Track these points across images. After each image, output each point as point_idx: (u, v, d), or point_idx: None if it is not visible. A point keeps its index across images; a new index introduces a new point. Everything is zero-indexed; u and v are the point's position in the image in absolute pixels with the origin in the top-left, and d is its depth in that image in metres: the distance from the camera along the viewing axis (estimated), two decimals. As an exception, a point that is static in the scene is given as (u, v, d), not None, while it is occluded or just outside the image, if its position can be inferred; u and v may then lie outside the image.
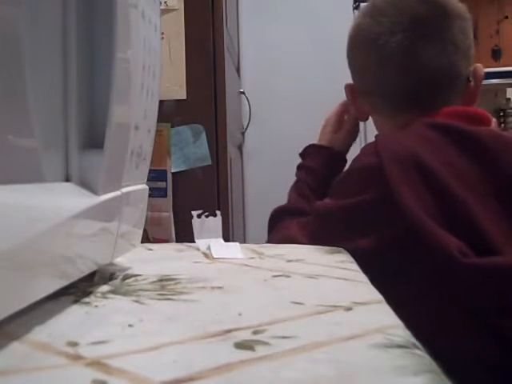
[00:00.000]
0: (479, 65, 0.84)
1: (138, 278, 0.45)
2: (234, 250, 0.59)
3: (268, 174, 2.29)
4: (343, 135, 0.99)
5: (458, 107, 0.80)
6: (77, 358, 0.26)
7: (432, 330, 0.53)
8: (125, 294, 0.39)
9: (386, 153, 0.70)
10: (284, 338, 0.28)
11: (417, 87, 0.81)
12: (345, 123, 0.98)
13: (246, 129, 2.22)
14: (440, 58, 0.81)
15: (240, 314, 0.33)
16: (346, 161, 0.96)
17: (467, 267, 0.62)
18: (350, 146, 1.00)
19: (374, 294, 0.39)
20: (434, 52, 0.80)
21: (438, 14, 0.81)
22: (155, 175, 1.38)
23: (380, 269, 0.54)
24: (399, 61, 0.81)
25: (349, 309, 0.34)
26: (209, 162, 1.41)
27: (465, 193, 0.67)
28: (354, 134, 1.00)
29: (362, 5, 2.48)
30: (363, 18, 0.85)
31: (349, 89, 0.92)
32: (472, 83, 0.84)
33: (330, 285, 0.43)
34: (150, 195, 0.49)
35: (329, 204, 0.77)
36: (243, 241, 1.98)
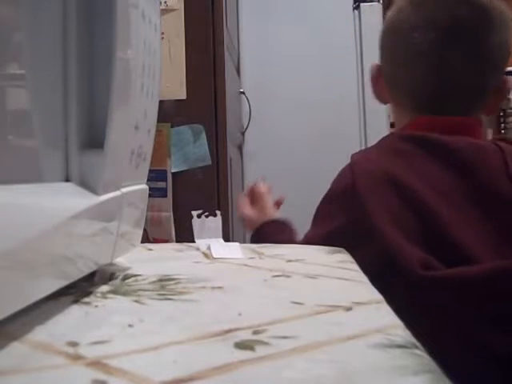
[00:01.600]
0: (510, 78, 0.81)
1: (138, 277, 0.45)
2: (234, 249, 0.59)
3: (268, 174, 2.29)
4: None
5: (435, 118, 0.79)
6: (77, 357, 0.26)
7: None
8: (125, 293, 0.39)
9: (358, 172, 0.71)
10: (284, 338, 0.28)
11: (438, 91, 0.80)
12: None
13: (246, 129, 2.22)
14: (469, 67, 0.78)
15: (240, 314, 0.33)
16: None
17: (425, 279, 0.62)
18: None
19: (374, 294, 0.39)
20: (464, 60, 0.77)
21: (478, 19, 0.77)
22: (155, 175, 1.38)
23: None
24: (427, 60, 0.79)
25: (349, 309, 0.34)
26: (209, 162, 1.41)
27: (440, 205, 0.67)
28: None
29: (363, 5, 2.47)
30: (405, 2, 0.82)
31: (376, 68, 0.88)
32: (497, 95, 0.81)
33: (330, 285, 0.43)
34: (150, 195, 0.49)
35: (309, 236, 0.76)
36: (243, 241, 1.98)
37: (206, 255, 0.57)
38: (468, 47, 0.77)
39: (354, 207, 0.68)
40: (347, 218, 0.69)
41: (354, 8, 2.34)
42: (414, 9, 0.80)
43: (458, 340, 0.62)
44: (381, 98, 0.89)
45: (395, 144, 0.76)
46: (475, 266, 0.64)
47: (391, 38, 0.84)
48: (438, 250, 0.65)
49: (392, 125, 2.61)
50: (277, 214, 1.02)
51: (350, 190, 0.70)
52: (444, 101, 0.80)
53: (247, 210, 1.00)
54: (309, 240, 0.73)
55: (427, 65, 0.79)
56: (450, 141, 0.73)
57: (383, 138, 0.80)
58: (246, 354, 0.26)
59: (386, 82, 0.86)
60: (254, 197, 1.04)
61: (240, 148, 2.20)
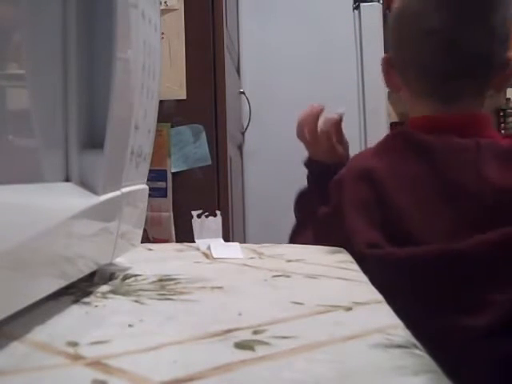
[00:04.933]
0: None
1: (138, 277, 0.45)
2: (234, 250, 0.59)
3: (268, 173, 2.29)
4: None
5: (426, 117, 0.84)
6: (77, 357, 0.26)
7: None
8: (125, 294, 0.39)
9: (348, 167, 0.83)
10: (284, 337, 0.28)
11: (450, 68, 0.83)
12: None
13: (246, 129, 2.22)
14: (479, 43, 0.82)
15: (240, 314, 0.33)
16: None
17: (367, 257, 0.68)
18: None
19: (374, 294, 0.39)
20: (474, 36, 0.81)
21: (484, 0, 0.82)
22: (155, 175, 1.38)
23: None
24: (439, 38, 0.82)
25: (349, 309, 0.34)
26: (209, 162, 1.41)
27: (405, 197, 0.74)
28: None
29: (363, 5, 2.47)
30: None
31: (385, 60, 0.92)
32: (504, 71, 0.85)
33: (330, 285, 0.43)
34: (150, 195, 0.49)
35: (319, 211, 0.86)
36: (243, 241, 1.98)
37: (206, 255, 0.57)
38: (475, 24, 0.81)
39: (337, 196, 0.80)
40: (333, 205, 0.81)
41: (354, 8, 2.34)
42: None
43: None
44: (393, 86, 0.92)
45: (387, 141, 0.85)
46: (413, 247, 0.71)
47: (401, 22, 0.87)
48: (394, 236, 0.72)
49: (392, 125, 2.61)
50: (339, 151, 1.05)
51: (338, 181, 0.82)
52: (454, 80, 0.83)
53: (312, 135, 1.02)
54: (318, 214, 0.85)
55: (437, 43, 0.82)
56: (430, 140, 0.79)
57: (386, 135, 0.88)
58: (245, 354, 0.26)
59: (396, 69, 0.89)
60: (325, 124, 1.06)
61: (240, 148, 2.20)
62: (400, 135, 0.84)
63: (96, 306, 0.35)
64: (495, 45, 0.83)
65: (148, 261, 0.54)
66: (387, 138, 0.87)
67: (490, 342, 0.67)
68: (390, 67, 0.90)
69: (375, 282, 0.62)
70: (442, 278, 0.69)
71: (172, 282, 0.43)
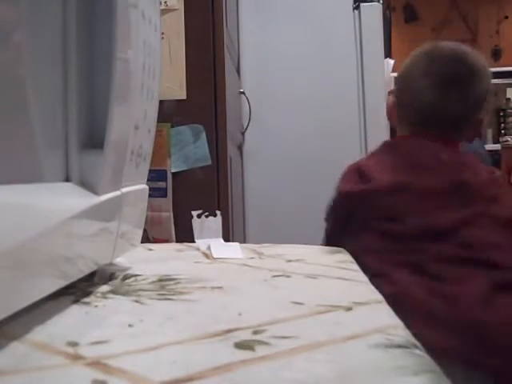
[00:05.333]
0: (483, 119, 1.15)
1: (138, 278, 0.45)
2: (234, 250, 0.59)
3: (268, 174, 2.29)
4: None
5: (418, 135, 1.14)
6: (77, 357, 0.26)
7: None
8: (125, 294, 0.39)
9: (350, 166, 1.12)
10: (284, 337, 0.28)
11: (433, 117, 1.12)
12: None
13: (246, 129, 2.22)
14: (458, 109, 1.11)
15: (240, 314, 0.33)
16: None
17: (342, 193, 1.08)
18: None
19: (374, 294, 0.39)
20: (455, 105, 1.10)
21: (468, 73, 1.10)
22: (155, 175, 1.38)
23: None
24: (429, 97, 1.11)
25: (349, 309, 0.34)
26: (209, 162, 1.41)
27: (379, 175, 1.06)
28: None
29: (363, 5, 2.47)
30: (421, 55, 1.16)
31: (391, 98, 1.20)
32: (474, 128, 1.15)
33: (330, 285, 0.43)
34: (150, 195, 0.49)
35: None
36: (243, 241, 1.98)
37: (206, 255, 0.57)
38: (460, 92, 1.10)
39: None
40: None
41: (354, 8, 2.34)
42: (426, 61, 1.13)
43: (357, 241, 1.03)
44: (391, 118, 1.22)
45: (381, 147, 1.15)
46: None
47: (405, 80, 1.18)
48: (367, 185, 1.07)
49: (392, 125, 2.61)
50: None
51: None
52: (435, 124, 1.12)
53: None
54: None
55: (428, 100, 1.11)
56: (407, 144, 1.13)
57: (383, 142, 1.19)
58: (245, 354, 0.26)
59: (397, 107, 1.18)
60: None
61: (240, 148, 2.20)
62: (388, 143, 1.21)
63: (96, 306, 0.35)
64: (471, 109, 1.11)
65: (148, 261, 0.54)
66: (382, 144, 1.17)
67: None
68: (394, 105, 1.19)
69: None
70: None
71: (172, 282, 0.43)
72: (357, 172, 1.09)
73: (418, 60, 1.16)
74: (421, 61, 1.15)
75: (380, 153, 1.14)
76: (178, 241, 1.32)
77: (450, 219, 0.98)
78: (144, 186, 0.47)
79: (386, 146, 1.15)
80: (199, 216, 0.64)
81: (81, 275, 0.37)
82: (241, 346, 0.27)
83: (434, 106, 1.11)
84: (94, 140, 0.36)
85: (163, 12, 1.36)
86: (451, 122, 1.12)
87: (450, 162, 1.07)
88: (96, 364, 0.25)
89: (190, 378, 0.23)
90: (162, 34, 1.27)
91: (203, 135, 1.40)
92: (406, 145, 1.13)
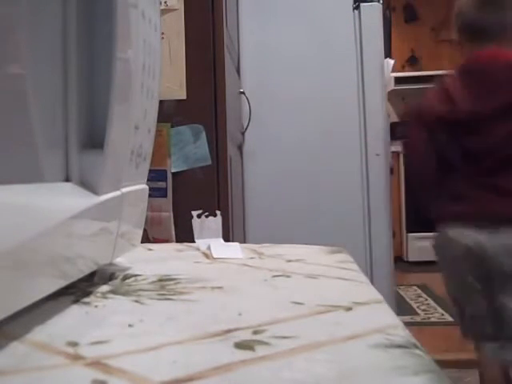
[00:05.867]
0: None
1: (138, 278, 0.45)
2: (234, 249, 0.59)
3: (268, 174, 2.28)
4: None
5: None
6: (77, 357, 0.26)
7: None
8: (125, 294, 0.39)
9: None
10: (284, 337, 0.28)
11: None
12: None
13: (246, 129, 2.22)
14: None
15: (240, 314, 0.33)
16: None
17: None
18: None
19: (374, 294, 0.39)
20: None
21: None
22: (155, 175, 1.38)
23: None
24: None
25: (349, 309, 0.34)
26: (209, 162, 1.41)
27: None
28: None
29: (363, 5, 2.47)
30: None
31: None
32: None
33: (330, 285, 0.43)
34: (150, 195, 0.49)
35: None
36: (243, 241, 1.98)
37: (206, 255, 0.57)
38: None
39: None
40: None
41: (354, 8, 2.34)
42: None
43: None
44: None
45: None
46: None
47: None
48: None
49: (392, 125, 2.61)
50: None
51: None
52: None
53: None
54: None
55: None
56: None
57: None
58: (246, 354, 0.26)
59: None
60: None
61: (240, 148, 2.20)
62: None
63: (96, 306, 0.35)
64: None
65: (148, 261, 0.54)
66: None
67: None
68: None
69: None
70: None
71: (172, 282, 0.43)
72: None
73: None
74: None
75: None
76: (178, 241, 1.32)
77: None
78: (144, 186, 0.47)
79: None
80: (199, 216, 0.64)
81: (81, 275, 0.37)
82: (241, 345, 0.27)
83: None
84: (94, 140, 0.36)
85: (163, 12, 1.36)
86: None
87: None
88: (96, 364, 0.25)
89: (190, 378, 0.23)
90: (162, 34, 1.27)
91: (203, 135, 1.39)
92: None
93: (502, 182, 1.31)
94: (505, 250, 1.30)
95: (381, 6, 2.35)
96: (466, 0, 1.50)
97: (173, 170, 1.39)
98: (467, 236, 1.35)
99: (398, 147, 4.53)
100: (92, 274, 0.42)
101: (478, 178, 1.33)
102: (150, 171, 0.48)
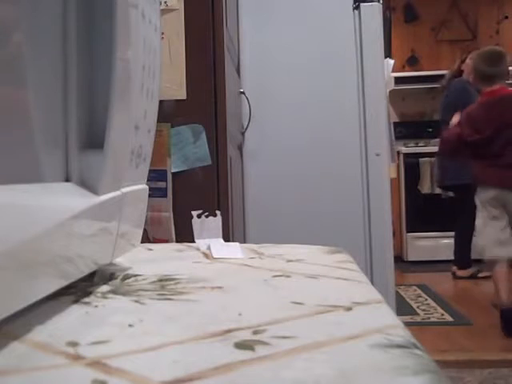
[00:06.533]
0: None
1: (138, 278, 0.45)
2: (234, 249, 0.59)
3: (268, 174, 2.28)
4: None
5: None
6: (77, 358, 0.26)
7: None
8: (125, 294, 0.39)
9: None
10: (284, 337, 0.28)
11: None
12: None
13: (246, 129, 2.22)
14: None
15: (240, 314, 0.33)
16: None
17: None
18: None
19: (374, 294, 0.39)
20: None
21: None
22: (155, 175, 1.38)
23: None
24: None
25: (349, 309, 0.34)
26: (209, 162, 1.41)
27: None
28: None
29: (363, 5, 2.47)
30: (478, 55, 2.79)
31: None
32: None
33: (330, 285, 0.43)
34: (150, 195, 0.49)
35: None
36: (243, 241, 1.98)
37: (206, 255, 0.57)
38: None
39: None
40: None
41: (354, 8, 2.34)
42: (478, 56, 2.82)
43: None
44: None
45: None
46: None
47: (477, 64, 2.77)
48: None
49: (394, 125, 2.62)
50: None
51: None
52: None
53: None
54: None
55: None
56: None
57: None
58: (246, 354, 0.26)
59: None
60: None
61: (240, 148, 2.19)
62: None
63: (96, 306, 0.35)
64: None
65: (148, 261, 0.54)
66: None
67: None
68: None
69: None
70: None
71: (172, 282, 0.43)
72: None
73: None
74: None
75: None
76: (177, 241, 1.32)
77: None
78: (144, 186, 0.47)
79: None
80: (199, 216, 0.64)
81: (81, 275, 0.37)
82: (241, 345, 0.27)
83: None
84: (93, 140, 0.36)
85: (163, 12, 1.36)
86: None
87: None
88: (96, 364, 0.25)
89: (190, 378, 0.23)
90: (162, 34, 1.27)
91: (203, 135, 1.39)
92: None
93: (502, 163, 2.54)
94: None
95: (381, 5, 2.35)
96: (478, 60, 2.66)
97: (173, 170, 1.39)
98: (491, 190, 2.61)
99: (398, 147, 4.53)
100: (92, 274, 0.42)
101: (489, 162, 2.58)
102: (150, 171, 0.48)
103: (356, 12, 2.33)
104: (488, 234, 2.57)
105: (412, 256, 4.56)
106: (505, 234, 2.55)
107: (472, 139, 2.54)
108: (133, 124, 0.41)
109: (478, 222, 2.65)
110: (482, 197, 2.63)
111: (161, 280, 0.44)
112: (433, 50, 5.07)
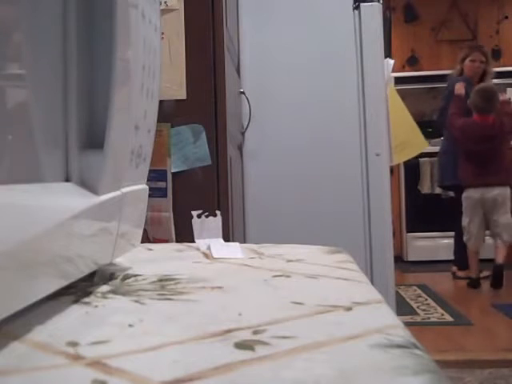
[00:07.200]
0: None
1: (138, 278, 0.45)
2: (234, 249, 0.59)
3: (268, 174, 2.28)
4: None
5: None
6: (77, 358, 0.26)
7: None
8: (125, 294, 0.39)
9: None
10: (284, 337, 0.28)
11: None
12: None
13: (246, 129, 2.22)
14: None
15: (240, 314, 0.33)
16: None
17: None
18: None
19: (374, 294, 0.39)
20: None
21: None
22: (155, 175, 1.37)
23: None
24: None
25: (349, 309, 0.34)
26: (209, 162, 1.41)
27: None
28: None
29: (363, 5, 2.48)
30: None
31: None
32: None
33: (330, 285, 0.43)
34: (150, 195, 0.49)
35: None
36: (243, 241, 1.98)
37: (206, 255, 0.57)
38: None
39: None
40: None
41: (354, 8, 2.34)
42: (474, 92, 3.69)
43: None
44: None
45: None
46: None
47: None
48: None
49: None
50: None
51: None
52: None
53: None
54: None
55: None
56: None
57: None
58: (246, 354, 0.26)
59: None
60: None
61: (240, 148, 2.19)
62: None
63: (96, 306, 0.35)
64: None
65: (148, 261, 0.54)
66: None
67: None
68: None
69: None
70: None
71: (172, 282, 0.43)
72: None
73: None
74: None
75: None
76: (177, 241, 1.32)
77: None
78: (144, 186, 0.47)
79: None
80: (199, 216, 0.64)
81: (81, 275, 0.37)
82: (241, 345, 0.27)
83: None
84: (93, 140, 0.36)
85: (163, 12, 1.36)
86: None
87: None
88: (96, 364, 0.25)
89: (190, 378, 0.23)
90: (162, 34, 1.27)
91: (203, 135, 1.39)
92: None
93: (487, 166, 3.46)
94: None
95: (381, 5, 2.35)
96: (475, 98, 3.50)
97: (173, 170, 1.39)
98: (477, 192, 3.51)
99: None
100: (92, 274, 0.42)
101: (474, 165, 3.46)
102: (150, 171, 0.48)
103: (356, 12, 2.33)
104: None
105: (412, 256, 4.56)
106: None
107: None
108: (133, 124, 0.41)
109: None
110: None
111: (161, 280, 0.44)
112: (433, 50, 5.07)
